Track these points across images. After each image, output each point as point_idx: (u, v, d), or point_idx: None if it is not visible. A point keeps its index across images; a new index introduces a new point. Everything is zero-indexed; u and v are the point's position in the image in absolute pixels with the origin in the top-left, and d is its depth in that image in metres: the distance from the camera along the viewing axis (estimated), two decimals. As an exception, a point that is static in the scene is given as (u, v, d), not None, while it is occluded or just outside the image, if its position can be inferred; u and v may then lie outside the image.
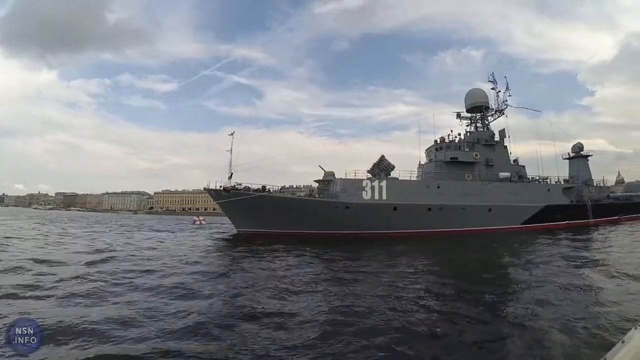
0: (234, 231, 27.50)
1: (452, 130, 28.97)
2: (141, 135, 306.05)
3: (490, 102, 31.11)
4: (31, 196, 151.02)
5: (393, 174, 26.79)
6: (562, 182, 30.81)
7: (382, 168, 26.61)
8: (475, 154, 27.27)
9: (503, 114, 30.84)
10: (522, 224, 26.79)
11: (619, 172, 41.91)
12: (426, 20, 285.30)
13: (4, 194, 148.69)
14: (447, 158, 27.23)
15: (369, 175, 26.29)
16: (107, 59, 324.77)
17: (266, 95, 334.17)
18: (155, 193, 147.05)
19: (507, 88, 31.07)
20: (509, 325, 5.90)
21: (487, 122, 30.74)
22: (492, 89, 31.32)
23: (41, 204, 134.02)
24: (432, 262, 13.77)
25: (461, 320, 6.15)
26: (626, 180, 41.80)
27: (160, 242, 20.60)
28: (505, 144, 29.44)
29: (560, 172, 33.79)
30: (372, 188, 25.04)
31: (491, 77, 31.42)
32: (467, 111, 31.20)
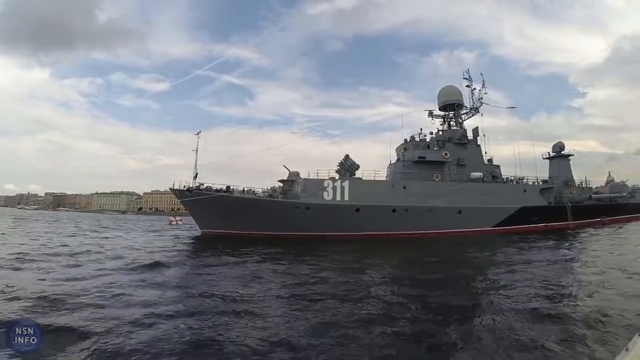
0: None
1: (421, 129, 28.12)
2: (133, 135, 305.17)
3: (466, 100, 30.34)
4: (21, 196, 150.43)
5: (359, 173, 25.93)
6: (541, 183, 29.82)
7: (346, 168, 25.72)
8: (444, 153, 26.30)
9: (478, 111, 29.90)
10: (495, 226, 25.79)
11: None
12: (418, 22, 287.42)
13: None
14: (414, 157, 26.30)
15: (335, 175, 25.50)
16: (99, 58, 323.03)
17: (259, 96, 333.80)
18: (144, 193, 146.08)
19: (484, 85, 30.18)
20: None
21: (460, 121, 29.80)
22: (467, 86, 30.44)
23: (29, 204, 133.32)
24: (374, 268, 12.74)
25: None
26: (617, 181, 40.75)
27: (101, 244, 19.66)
28: (478, 143, 28.48)
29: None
30: (334, 188, 24.22)
31: (466, 74, 30.54)
32: (440, 109, 30.27)
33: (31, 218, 52.69)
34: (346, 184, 24.29)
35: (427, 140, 27.39)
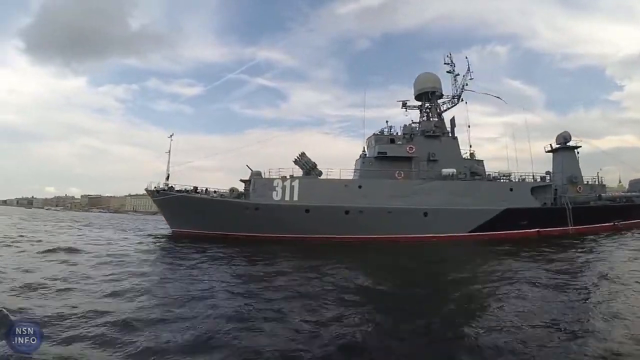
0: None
1: (387, 122, 25.88)
2: (167, 138, 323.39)
3: (450, 88, 27.69)
4: (58, 198, 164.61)
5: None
6: (538, 180, 26.06)
7: (300, 166, 24.47)
8: (409, 147, 23.97)
9: (461, 100, 27.06)
10: (472, 231, 22.95)
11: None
12: (448, 18, 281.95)
13: (32, 197, 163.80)
14: (375, 153, 24.26)
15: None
16: (133, 65, 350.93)
17: (290, 97, 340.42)
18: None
19: (469, 70, 27.21)
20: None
21: (439, 111, 27.14)
22: (449, 72, 27.64)
23: (66, 205, 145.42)
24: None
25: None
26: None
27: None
28: (455, 135, 25.74)
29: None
30: (283, 188, 23.11)
31: (448, 58, 27.73)
32: (416, 99, 27.83)
33: (38, 215, 57.18)
34: (296, 183, 23.10)
35: (393, 133, 25.22)
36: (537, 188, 24.88)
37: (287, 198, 22.92)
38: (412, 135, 24.75)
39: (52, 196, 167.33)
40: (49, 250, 14.64)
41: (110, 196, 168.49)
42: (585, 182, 27.32)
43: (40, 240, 18.53)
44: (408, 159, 24.02)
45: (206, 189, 27.15)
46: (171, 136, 28.64)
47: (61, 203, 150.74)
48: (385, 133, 25.66)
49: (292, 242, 21.34)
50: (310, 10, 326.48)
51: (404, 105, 27.46)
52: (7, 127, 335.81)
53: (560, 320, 6.32)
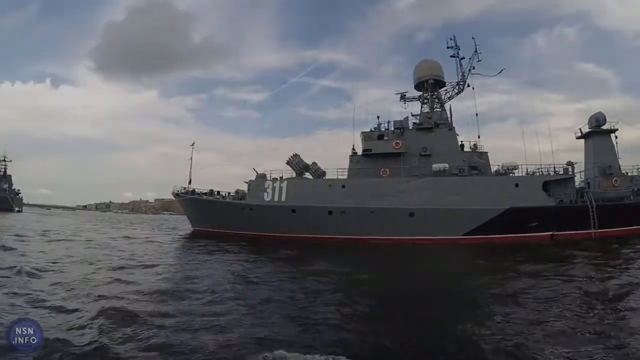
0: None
1: (378, 117, 25.63)
2: (235, 144, 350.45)
3: (456, 75, 26.21)
4: (134, 203, 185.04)
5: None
6: (561, 172, 23.18)
7: (292, 166, 25.85)
8: (395, 143, 23.53)
9: (468, 86, 25.44)
10: (466, 234, 21.39)
11: None
12: (511, 1, 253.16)
13: (110, 202, 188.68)
14: (361, 151, 24.41)
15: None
16: (200, 76, 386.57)
17: (354, 97, 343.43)
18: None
19: (476, 51, 25.35)
20: None
21: (441, 101, 25.89)
22: (453, 56, 26.06)
23: (142, 209, 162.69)
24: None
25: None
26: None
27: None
28: (452, 126, 24.36)
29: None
30: (273, 189, 24.82)
31: (451, 41, 26.13)
32: (416, 88, 26.87)
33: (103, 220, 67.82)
34: (284, 184, 24.59)
35: (382, 128, 24.98)
36: (552, 182, 22.31)
37: (276, 199, 24.57)
38: (403, 130, 24.23)
39: (128, 201, 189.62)
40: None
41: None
42: (624, 174, 23.53)
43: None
44: (396, 155, 23.59)
45: (218, 192, 30.34)
46: (192, 145, 32.76)
47: (136, 207, 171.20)
48: (382, 129, 25.44)
49: (283, 241, 22.42)
50: (368, 8, 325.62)
51: (402, 97, 26.75)
52: (87, 140, 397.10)
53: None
